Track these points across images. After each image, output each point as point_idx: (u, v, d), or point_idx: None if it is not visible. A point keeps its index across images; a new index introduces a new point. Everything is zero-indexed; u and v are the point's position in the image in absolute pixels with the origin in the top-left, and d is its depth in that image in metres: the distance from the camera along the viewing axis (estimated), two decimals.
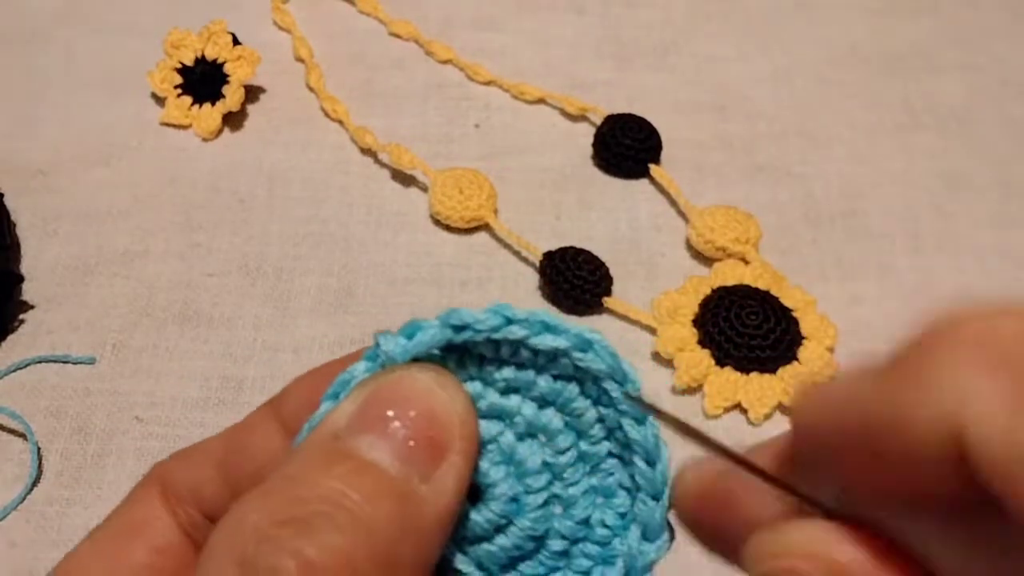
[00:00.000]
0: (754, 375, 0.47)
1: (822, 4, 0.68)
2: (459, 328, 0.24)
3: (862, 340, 0.50)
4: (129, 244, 0.53)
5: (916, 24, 0.67)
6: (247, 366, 0.48)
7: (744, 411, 0.47)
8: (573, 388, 0.26)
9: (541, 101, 0.61)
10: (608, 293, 0.50)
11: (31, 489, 0.44)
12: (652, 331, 0.49)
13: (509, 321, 0.25)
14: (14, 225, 0.53)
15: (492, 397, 0.25)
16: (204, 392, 0.47)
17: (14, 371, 0.48)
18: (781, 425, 0.46)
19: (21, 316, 0.50)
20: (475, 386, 0.25)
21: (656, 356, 0.49)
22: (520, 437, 0.26)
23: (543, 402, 0.26)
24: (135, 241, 0.53)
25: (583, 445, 0.26)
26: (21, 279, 0.51)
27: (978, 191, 0.57)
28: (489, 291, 0.51)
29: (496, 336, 0.25)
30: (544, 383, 0.25)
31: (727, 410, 0.47)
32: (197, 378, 0.48)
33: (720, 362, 0.48)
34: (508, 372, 0.25)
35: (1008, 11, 0.68)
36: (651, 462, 0.25)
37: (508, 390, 0.25)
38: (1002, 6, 0.68)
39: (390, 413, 0.23)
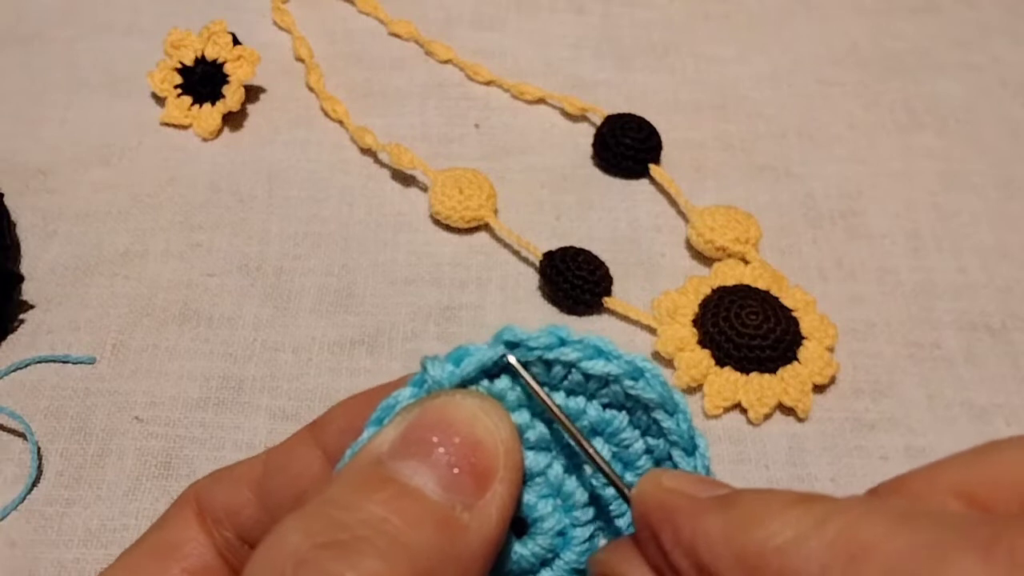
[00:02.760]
0: (754, 375, 0.47)
1: (822, 4, 0.68)
2: (512, 344, 0.24)
3: (862, 340, 0.50)
4: (129, 244, 0.53)
5: (916, 24, 0.67)
6: (247, 366, 0.48)
7: (744, 411, 0.47)
8: (622, 418, 0.25)
9: (541, 101, 0.61)
10: (608, 293, 0.50)
11: (31, 489, 0.44)
12: (652, 331, 0.49)
13: (563, 342, 0.24)
14: (14, 225, 0.53)
15: (540, 427, 0.25)
16: (204, 392, 0.47)
17: (14, 371, 0.48)
18: (780, 425, 0.46)
19: (21, 316, 0.50)
20: (523, 415, 0.25)
21: (656, 356, 0.49)
22: (568, 469, 0.25)
23: (591, 432, 0.25)
24: (135, 241, 0.53)
25: (629, 476, 0.26)
26: (21, 279, 0.51)
27: (978, 191, 0.57)
28: (489, 291, 0.51)
29: (548, 356, 0.24)
30: (593, 412, 0.25)
31: (727, 410, 0.47)
32: (197, 378, 0.48)
33: (720, 362, 0.48)
34: (558, 398, 0.25)
35: (1008, 11, 0.68)
36: None
37: (556, 420, 0.25)
38: (1002, 6, 0.68)
39: (434, 439, 0.22)
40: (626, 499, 0.24)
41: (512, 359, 0.24)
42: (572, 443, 0.25)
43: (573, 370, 0.25)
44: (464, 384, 0.24)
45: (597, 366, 0.24)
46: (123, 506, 0.43)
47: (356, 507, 0.21)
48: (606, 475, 0.24)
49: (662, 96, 0.62)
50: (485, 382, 0.24)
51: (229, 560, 0.27)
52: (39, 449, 0.45)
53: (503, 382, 0.24)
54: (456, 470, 0.22)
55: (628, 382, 0.24)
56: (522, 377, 0.24)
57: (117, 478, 0.44)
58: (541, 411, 0.25)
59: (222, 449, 0.45)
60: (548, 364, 0.24)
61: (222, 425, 0.46)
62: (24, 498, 0.43)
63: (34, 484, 0.44)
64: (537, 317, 0.50)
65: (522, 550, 0.25)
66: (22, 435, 0.45)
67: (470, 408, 0.23)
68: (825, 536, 0.19)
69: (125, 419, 0.46)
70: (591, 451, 0.24)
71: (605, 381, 0.25)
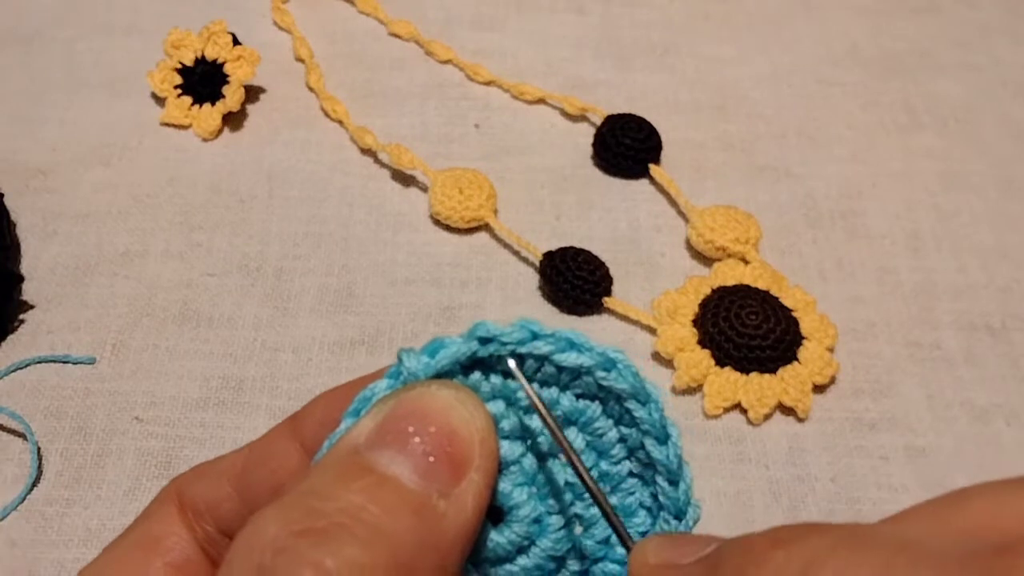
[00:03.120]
0: (754, 375, 0.47)
1: (822, 4, 0.68)
2: (485, 340, 0.24)
3: (862, 340, 0.50)
4: (129, 244, 0.53)
5: (916, 24, 0.67)
6: (247, 366, 0.48)
7: (744, 411, 0.47)
8: (596, 408, 0.26)
9: (541, 101, 0.61)
10: (608, 293, 0.50)
11: (31, 489, 0.44)
12: (652, 331, 0.49)
13: (535, 336, 0.25)
14: (14, 225, 0.53)
15: (515, 417, 0.25)
16: (204, 392, 0.47)
17: (14, 371, 0.48)
18: (780, 425, 0.46)
19: (21, 316, 0.50)
20: (498, 405, 0.25)
21: (656, 356, 0.49)
22: (542, 458, 0.26)
23: (565, 421, 0.26)
24: (135, 241, 0.53)
25: (604, 465, 0.26)
26: (21, 279, 0.51)
27: (978, 191, 0.57)
28: (489, 291, 0.51)
29: (521, 350, 0.24)
30: (567, 402, 0.25)
31: (727, 410, 0.47)
32: (197, 378, 0.48)
33: (720, 362, 0.48)
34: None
35: (1008, 11, 0.68)
36: (673, 482, 0.25)
37: (531, 409, 0.25)
38: (1002, 6, 0.68)
39: (410, 428, 0.23)
40: (626, 546, 0.24)
41: (515, 369, 0.24)
42: (572, 468, 0.25)
43: (546, 363, 0.25)
44: (439, 376, 0.24)
45: (569, 358, 0.25)
46: (123, 506, 0.43)
47: (334, 496, 0.21)
48: (607, 516, 0.25)
49: (662, 96, 0.62)
50: (459, 371, 0.25)
51: (210, 553, 0.27)
52: (39, 449, 0.45)
53: (477, 374, 0.25)
54: (432, 459, 0.22)
55: (600, 373, 0.25)
56: (527, 393, 0.24)
57: (117, 478, 0.44)
58: (516, 400, 0.25)
59: (222, 449, 0.45)
60: (521, 357, 0.25)
61: (222, 425, 0.46)
62: (24, 498, 0.43)
63: (34, 484, 0.44)
64: (537, 317, 0.50)
65: (498, 537, 0.25)
66: (22, 435, 0.45)
67: (445, 398, 0.23)
68: None
69: (125, 419, 0.46)
70: (591, 484, 0.24)
71: (578, 373, 0.25)
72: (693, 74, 0.63)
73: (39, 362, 0.48)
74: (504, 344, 0.24)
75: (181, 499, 0.27)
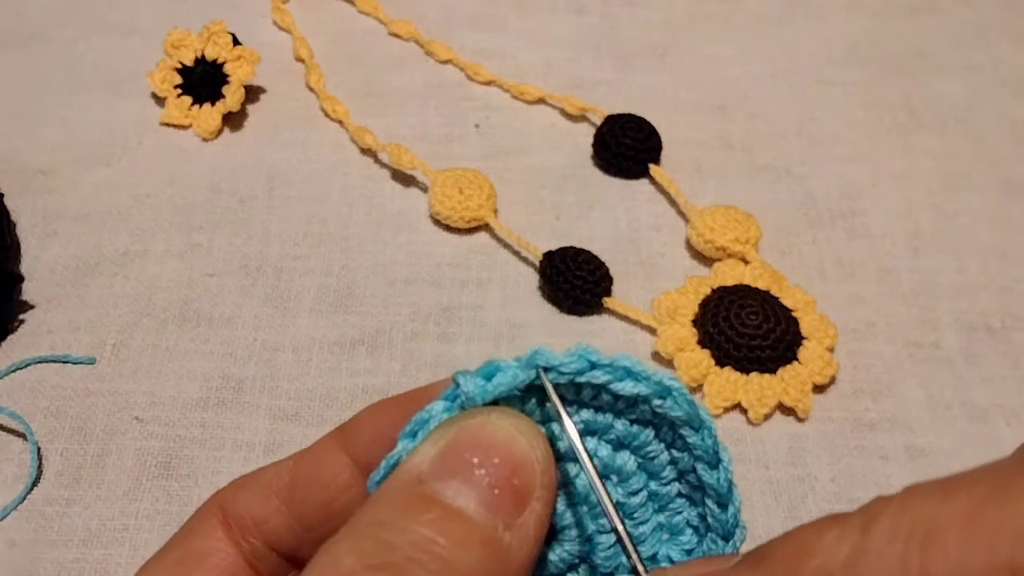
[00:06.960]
0: (754, 375, 0.47)
1: (822, 4, 0.68)
2: (543, 369, 0.24)
3: (862, 340, 0.50)
4: (129, 244, 0.53)
5: (916, 24, 0.67)
6: (247, 366, 0.48)
7: (744, 411, 0.47)
8: (648, 432, 0.26)
9: (541, 101, 0.61)
10: (608, 293, 0.50)
11: (31, 489, 0.44)
12: (652, 331, 0.49)
13: (593, 365, 0.25)
14: (14, 225, 0.53)
15: (567, 440, 0.25)
16: (204, 392, 0.47)
17: (14, 371, 0.48)
18: (780, 425, 0.46)
19: (21, 316, 0.50)
20: (552, 428, 0.25)
21: (656, 356, 0.49)
22: None
23: (618, 444, 0.26)
24: (135, 241, 0.53)
25: (653, 485, 0.26)
26: (21, 279, 0.51)
27: (978, 191, 0.57)
28: (489, 291, 0.51)
29: (579, 380, 0.25)
30: (621, 427, 0.26)
31: (727, 410, 0.47)
32: (197, 378, 0.48)
33: (720, 362, 0.48)
34: (586, 415, 0.26)
35: (1008, 11, 0.68)
36: (723, 505, 0.26)
37: (585, 432, 0.26)
38: (1002, 6, 0.68)
39: (474, 460, 0.23)
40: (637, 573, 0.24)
41: (560, 407, 0.24)
42: (595, 497, 0.25)
43: (603, 391, 0.25)
44: (496, 400, 0.24)
45: (627, 387, 0.25)
46: (123, 506, 0.43)
47: (405, 528, 0.22)
48: (622, 543, 0.25)
49: (662, 96, 0.62)
50: (516, 393, 0.25)
51: (257, 568, 0.27)
52: (39, 449, 0.45)
53: (532, 401, 0.25)
54: (496, 491, 0.23)
55: (656, 401, 0.25)
56: (560, 421, 0.25)
57: (117, 478, 0.44)
58: (579, 433, 0.25)
59: (222, 449, 0.45)
60: (577, 386, 0.25)
61: (222, 425, 0.46)
62: (24, 498, 0.43)
63: (34, 484, 0.44)
64: (537, 317, 0.50)
65: (551, 555, 0.25)
66: (22, 435, 0.45)
67: (507, 429, 0.23)
68: (884, 530, 0.19)
69: (125, 419, 0.46)
70: (619, 525, 0.24)
71: (634, 400, 0.25)
72: (693, 74, 0.63)
73: (39, 362, 0.48)
74: (563, 374, 0.24)
75: (225, 513, 0.27)
